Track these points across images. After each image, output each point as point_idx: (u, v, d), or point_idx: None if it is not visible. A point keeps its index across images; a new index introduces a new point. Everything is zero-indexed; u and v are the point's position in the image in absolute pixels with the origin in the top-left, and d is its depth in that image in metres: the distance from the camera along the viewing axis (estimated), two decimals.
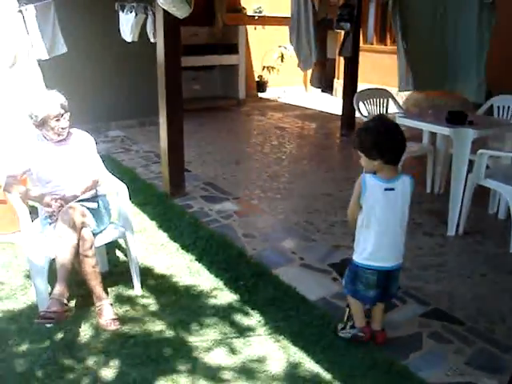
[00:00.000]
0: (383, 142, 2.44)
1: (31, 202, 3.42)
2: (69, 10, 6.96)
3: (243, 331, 2.94)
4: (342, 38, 7.48)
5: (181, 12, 4.39)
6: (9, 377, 2.60)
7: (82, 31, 7.43)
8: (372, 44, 10.53)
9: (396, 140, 2.46)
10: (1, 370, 2.64)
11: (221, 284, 3.41)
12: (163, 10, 4.40)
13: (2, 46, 5.42)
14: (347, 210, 2.73)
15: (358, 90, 7.80)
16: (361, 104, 5.36)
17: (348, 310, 2.89)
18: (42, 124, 3.06)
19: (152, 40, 6.79)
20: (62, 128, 3.10)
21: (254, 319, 3.04)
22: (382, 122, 2.54)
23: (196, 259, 3.72)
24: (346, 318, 2.88)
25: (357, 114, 7.57)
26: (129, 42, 6.90)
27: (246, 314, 3.10)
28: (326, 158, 6.60)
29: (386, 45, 10.19)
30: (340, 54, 7.96)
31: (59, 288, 2.76)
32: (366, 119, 5.02)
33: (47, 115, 3.02)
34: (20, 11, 5.48)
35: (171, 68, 4.61)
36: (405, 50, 5.31)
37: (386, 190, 2.49)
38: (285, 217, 4.52)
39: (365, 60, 8.26)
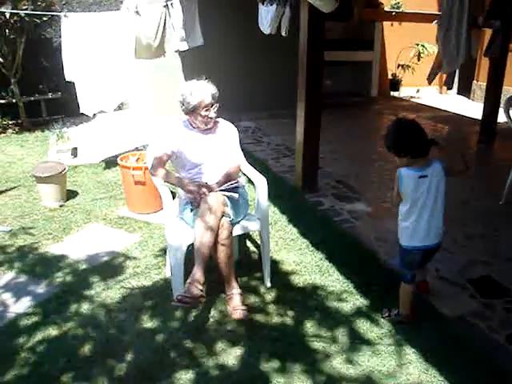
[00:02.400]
0: (403, 141, 2.77)
1: (172, 187, 3.56)
2: (211, 3, 7.19)
3: (372, 339, 2.84)
4: (490, 36, 6.97)
5: (327, 6, 4.32)
6: (144, 352, 2.73)
7: (223, 23, 7.64)
8: None
9: (414, 137, 2.75)
10: (137, 344, 2.78)
11: (351, 287, 3.32)
12: (308, 3, 4.36)
13: (149, 38, 5.70)
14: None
15: (503, 94, 7.30)
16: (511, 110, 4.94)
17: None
18: (192, 111, 3.16)
19: (284, 34, 6.81)
20: (210, 118, 3.18)
21: (384, 328, 2.92)
22: (399, 124, 2.86)
23: (326, 258, 3.66)
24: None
25: (501, 119, 7.11)
26: (266, 35, 6.98)
27: (376, 321, 2.99)
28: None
29: None
30: (485, 55, 7.43)
31: (197, 273, 2.83)
32: None
33: (199, 103, 3.11)
34: (166, 5, 5.73)
35: (313, 63, 4.56)
36: None
37: (420, 177, 2.77)
38: None
39: (510, 61, 7.63)
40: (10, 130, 7.49)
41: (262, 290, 3.31)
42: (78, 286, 3.35)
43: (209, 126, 3.24)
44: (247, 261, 3.69)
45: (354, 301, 3.19)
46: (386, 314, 3.05)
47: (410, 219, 2.85)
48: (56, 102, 8.07)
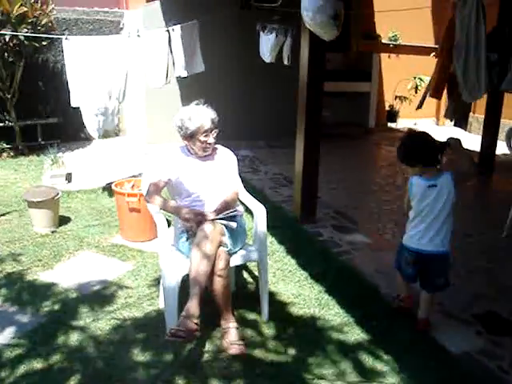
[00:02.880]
0: (414, 151, 2.95)
1: (167, 214, 3.45)
2: (212, 29, 7.20)
3: (375, 377, 2.70)
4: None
5: (328, 34, 4.28)
6: None
7: (224, 50, 7.66)
8: None
9: (424, 146, 2.95)
10: (127, 379, 2.63)
11: (352, 321, 3.19)
12: (309, 32, 4.33)
13: (154, 65, 5.67)
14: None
15: (501, 126, 7.28)
16: None
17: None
18: (190, 137, 3.06)
19: (286, 62, 6.82)
20: (209, 144, 3.09)
21: (386, 365, 2.78)
22: (410, 136, 3.13)
23: (326, 291, 3.53)
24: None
25: (499, 152, 7.08)
26: (267, 64, 6.99)
27: (379, 357, 2.85)
28: (463, 197, 6.09)
29: None
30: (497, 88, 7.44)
31: (192, 306, 2.69)
32: None
33: (198, 129, 3.02)
34: (167, 31, 5.71)
35: (313, 93, 4.53)
36: None
37: (429, 186, 2.95)
38: None
39: (506, 93, 7.64)
40: (4, 154, 7.41)
41: (260, 323, 3.17)
42: (67, 316, 3.20)
43: (207, 153, 3.14)
44: (244, 292, 3.56)
45: (355, 335, 3.06)
46: (394, 300, 3.33)
47: (413, 223, 3.07)
48: (52, 127, 8.00)
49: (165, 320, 2.98)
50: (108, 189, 5.60)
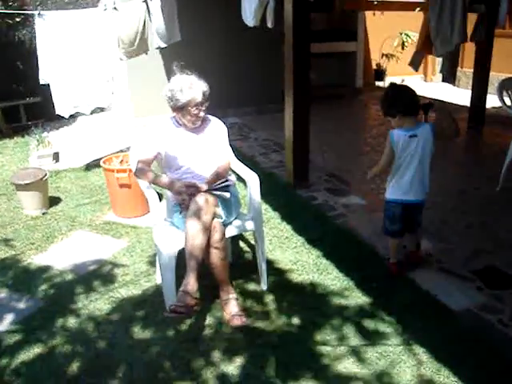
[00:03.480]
0: (394, 99, 3.04)
1: (159, 189, 3.38)
2: None
3: (378, 339, 2.69)
4: (475, 21, 6.85)
5: None
6: (137, 366, 2.56)
7: (205, 17, 7.46)
8: (504, 28, 9.62)
9: (402, 95, 3.03)
10: (129, 358, 2.61)
11: (351, 284, 3.17)
12: None
13: (130, 35, 5.52)
14: (381, 163, 3.20)
15: (490, 79, 7.19)
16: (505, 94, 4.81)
17: None
18: (180, 109, 2.97)
19: (269, 25, 6.64)
20: (199, 116, 3.00)
21: (389, 326, 2.78)
22: (391, 86, 3.15)
23: (323, 255, 3.51)
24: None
25: (489, 105, 7.02)
26: (251, 28, 6.80)
27: (381, 319, 2.84)
28: (455, 152, 6.10)
29: None
30: (471, 40, 7.32)
31: (189, 280, 2.65)
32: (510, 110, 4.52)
33: (189, 101, 2.92)
34: (145, 1, 5.55)
35: (300, 54, 4.43)
36: None
37: (410, 137, 3.01)
38: None
39: (496, 46, 7.53)
40: None
41: (259, 292, 3.15)
42: (64, 299, 3.16)
43: (196, 125, 3.05)
44: (241, 262, 3.53)
45: (355, 299, 3.05)
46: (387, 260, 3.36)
47: (396, 176, 3.12)
48: (35, 107, 7.81)
49: (163, 296, 2.95)
50: (97, 165, 5.49)
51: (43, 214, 4.53)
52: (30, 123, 7.61)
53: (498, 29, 8.58)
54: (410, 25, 10.39)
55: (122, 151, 5.47)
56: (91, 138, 7.11)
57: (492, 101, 7.10)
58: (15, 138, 7.20)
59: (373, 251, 3.55)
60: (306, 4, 4.19)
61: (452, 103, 8.75)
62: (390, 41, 10.33)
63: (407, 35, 10.19)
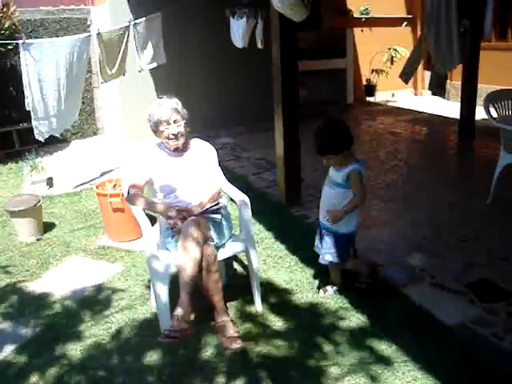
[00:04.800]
0: (341, 136, 2.96)
1: (152, 213, 3.40)
2: (177, 20, 7.11)
3: (374, 357, 2.70)
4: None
5: (297, 16, 4.23)
6: None
7: (191, 40, 7.56)
8: (490, 41, 9.76)
9: (347, 130, 2.97)
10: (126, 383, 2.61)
11: (346, 302, 3.19)
12: (279, 14, 4.27)
13: (112, 59, 5.61)
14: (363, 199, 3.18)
15: (478, 91, 7.28)
16: (491, 107, 4.88)
17: (330, 278, 3.35)
18: (156, 130, 3.04)
19: (259, 46, 6.74)
20: (173, 134, 3.02)
21: (385, 344, 2.79)
22: (333, 123, 3.03)
23: (317, 274, 3.53)
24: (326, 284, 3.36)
25: (478, 117, 7.10)
26: (237, 50, 6.90)
27: (377, 337, 2.85)
28: (446, 166, 6.16)
29: (507, 41, 9.42)
30: None
31: (183, 305, 2.67)
32: (495, 123, 4.58)
33: (158, 120, 2.98)
34: (128, 26, 5.65)
35: (288, 74, 4.48)
36: None
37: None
38: (409, 229, 4.20)
39: (481, 58, 7.64)
40: None
41: (254, 313, 3.15)
42: (60, 326, 3.16)
43: (176, 145, 3.06)
44: (236, 284, 3.54)
45: (350, 317, 3.06)
46: (324, 292, 3.30)
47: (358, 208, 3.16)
48: (28, 132, 7.82)
49: (158, 320, 2.96)
50: (90, 190, 5.52)
51: (38, 240, 4.54)
52: (23, 149, 7.64)
53: (484, 41, 8.75)
54: (398, 40, 10.55)
55: (111, 171, 5.51)
56: (84, 161, 7.15)
57: (481, 113, 7.18)
58: (9, 164, 7.22)
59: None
60: (293, 23, 4.26)
61: (442, 116, 8.86)
62: (379, 56, 10.46)
63: (396, 50, 10.32)
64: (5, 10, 6.69)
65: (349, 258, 3.24)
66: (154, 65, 6.26)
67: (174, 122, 3.02)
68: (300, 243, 3.97)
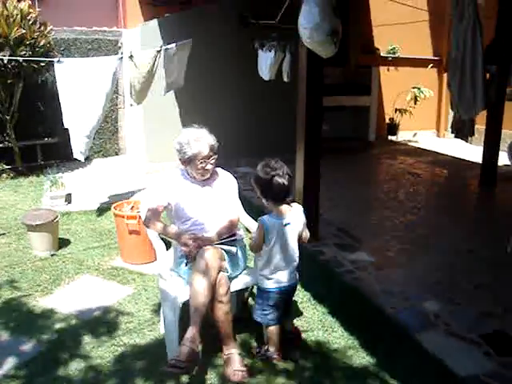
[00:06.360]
0: (264, 185, 2.87)
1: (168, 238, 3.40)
2: (206, 47, 7.22)
3: None
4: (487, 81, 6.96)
5: (326, 52, 4.26)
6: None
7: (219, 68, 7.66)
8: None
9: (274, 183, 2.81)
10: None
11: (356, 344, 3.13)
12: (307, 49, 4.31)
13: (141, 83, 5.69)
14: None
15: (502, 137, 7.23)
16: None
17: (266, 338, 3.03)
18: (188, 161, 3.03)
19: (285, 79, 6.80)
20: (207, 169, 3.04)
21: None
22: (261, 168, 2.93)
23: (329, 312, 3.48)
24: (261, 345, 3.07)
25: (501, 163, 7.03)
26: (263, 81, 6.97)
27: (385, 382, 2.78)
28: (465, 211, 6.08)
29: None
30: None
31: (191, 334, 2.64)
32: None
33: (195, 155, 2.99)
34: (162, 49, 5.73)
35: (313, 109, 4.48)
36: None
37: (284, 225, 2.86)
38: (425, 273, 4.12)
39: (507, 104, 7.60)
40: (4, 175, 7.36)
41: (263, 349, 3.09)
42: (66, 345, 3.15)
43: (205, 177, 3.10)
44: (246, 316, 3.48)
45: (360, 359, 3.00)
46: (257, 351, 3.05)
47: (273, 268, 2.96)
48: (52, 147, 7.98)
49: (166, 347, 2.92)
50: (108, 209, 5.55)
51: (52, 255, 4.56)
52: (45, 163, 7.76)
53: (510, 88, 8.73)
54: (422, 80, 10.57)
55: (129, 192, 5.54)
56: (104, 180, 7.21)
57: (504, 158, 7.13)
58: (30, 177, 7.33)
59: (379, 310, 3.48)
60: (320, 59, 4.28)
61: (463, 159, 8.79)
62: (404, 96, 10.48)
63: (420, 90, 10.34)
64: (42, 28, 6.86)
65: (274, 321, 2.98)
66: (173, 89, 6.36)
67: (210, 158, 3.04)
68: (313, 280, 3.92)
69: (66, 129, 5.26)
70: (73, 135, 5.17)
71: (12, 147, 7.46)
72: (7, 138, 7.50)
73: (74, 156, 5.33)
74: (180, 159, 3.07)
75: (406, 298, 3.68)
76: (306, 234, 3.10)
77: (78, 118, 5.10)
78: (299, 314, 3.49)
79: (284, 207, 2.91)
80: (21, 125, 7.49)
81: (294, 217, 2.93)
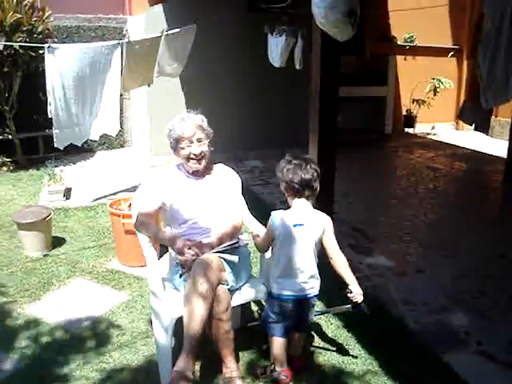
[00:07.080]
0: (285, 173, 2.64)
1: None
2: (213, 33, 6.86)
3: None
4: None
5: (342, 35, 3.85)
6: None
7: (226, 55, 7.28)
8: None
9: (296, 170, 2.60)
10: None
11: (375, 365, 2.75)
12: (321, 32, 3.91)
13: (142, 67, 5.37)
14: None
15: None
16: None
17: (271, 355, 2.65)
18: (175, 146, 2.68)
19: (297, 67, 6.39)
20: (194, 154, 2.67)
21: None
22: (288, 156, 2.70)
23: (344, 326, 3.10)
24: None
25: None
26: (274, 68, 6.57)
27: None
28: (491, 209, 5.66)
29: None
30: None
31: (184, 360, 2.28)
32: None
33: (179, 136, 2.63)
34: (162, 34, 5.43)
35: (327, 99, 4.12)
36: None
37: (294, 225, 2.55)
38: (452, 282, 3.73)
39: None
40: (4, 168, 7.06)
41: (268, 369, 2.73)
42: (49, 361, 2.81)
43: (197, 168, 2.72)
44: (250, 328, 3.12)
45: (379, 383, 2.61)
46: (262, 372, 2.66)
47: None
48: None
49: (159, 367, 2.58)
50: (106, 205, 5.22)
51: (44, 256, 4.24)
52: (47, 155, 7.44)
53: None
54: (442, 70, 10.12)
55: (132, 188, 5.24)
56: (106, 174, 6.88)
57: None
58: (30, 171, 7.02)
59: (401, 324, 3.12)
60: (336, 45, 3.89)
61: (486, 153, 8.35)
62: (422, 86, 10.02)
63: (440, 81, 9.88)
64: (40, 13, 6.51)
65: (279, 333, 2.62)
66: (173, 74, 6.05)
67: (198, 140, 2.67)
68: (326, 288, 3.51)
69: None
70: (55, 123, 4.94)
71: (12, 139, 7.15)
72: (7, 130, 7.18)
73: (55, 145, 5.07)
74: (171, 148, 2.73)
75: (430, 310, 3.31)
76: (331, 245, 2.72)
77: (66, 106, 4.88)
78: (312, 328, 3.10)
79: (301, 205, 2.60)
80: (21, 116, 7.16)
81: (310, 220, 2.57)
